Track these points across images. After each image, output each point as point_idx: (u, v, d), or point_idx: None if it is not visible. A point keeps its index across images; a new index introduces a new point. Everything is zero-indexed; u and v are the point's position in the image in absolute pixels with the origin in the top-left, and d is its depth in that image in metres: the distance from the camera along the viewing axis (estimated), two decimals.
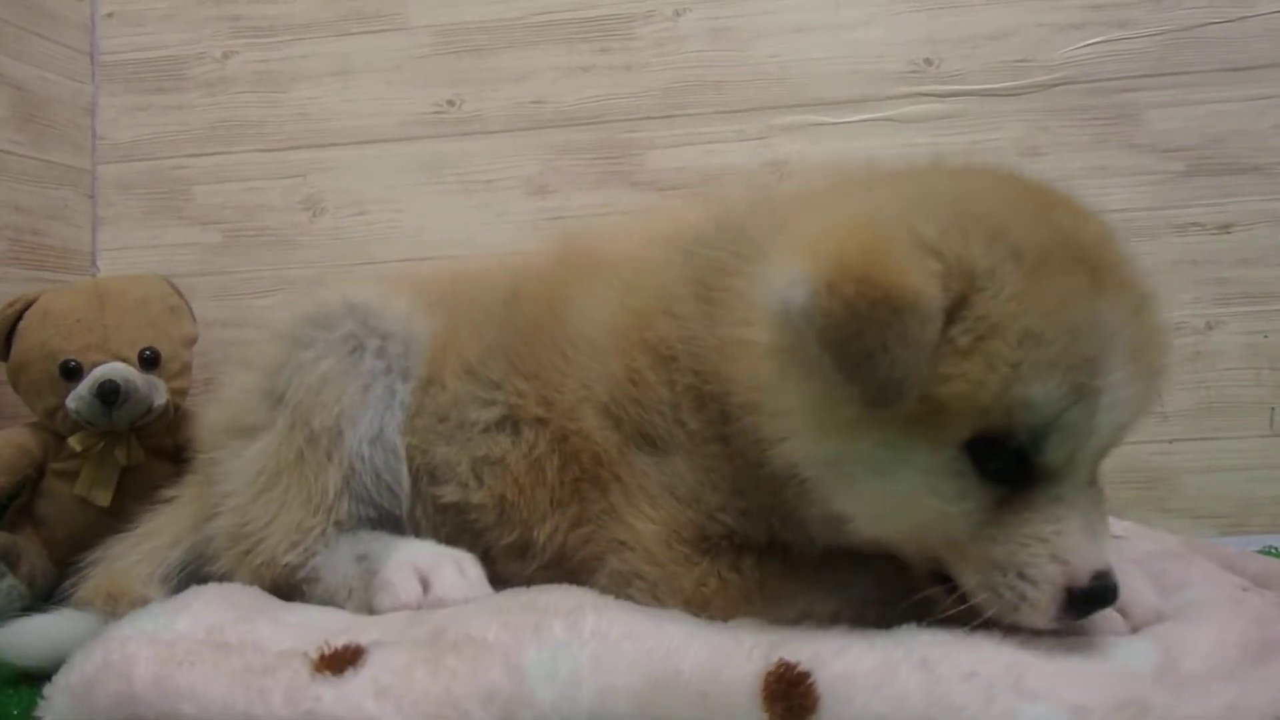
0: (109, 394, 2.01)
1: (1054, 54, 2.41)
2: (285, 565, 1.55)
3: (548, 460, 1.49)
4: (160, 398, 2.11)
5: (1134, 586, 1.23)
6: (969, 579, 1.16)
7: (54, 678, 1.25)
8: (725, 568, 1.31)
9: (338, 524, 1.56)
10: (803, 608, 1.26)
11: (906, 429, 1.11)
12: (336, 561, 1.53)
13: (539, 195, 2.53)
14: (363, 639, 1.24)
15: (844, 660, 1.08)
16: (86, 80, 2.65)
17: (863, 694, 1.05)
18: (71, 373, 2.05)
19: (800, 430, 1.19)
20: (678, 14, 2.52)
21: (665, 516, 1.34)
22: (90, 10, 2.67)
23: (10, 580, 1.91)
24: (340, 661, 1.18)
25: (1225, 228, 2.35)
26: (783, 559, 1.31)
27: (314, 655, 1.20)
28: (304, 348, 1.63)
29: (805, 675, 1.07)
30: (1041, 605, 1.11)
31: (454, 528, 1.58)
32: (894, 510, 1.17)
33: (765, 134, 2.47)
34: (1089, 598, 1.11)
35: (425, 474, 1.61)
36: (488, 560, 1.53)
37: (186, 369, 2.24)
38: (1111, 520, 1.58)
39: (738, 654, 1.12)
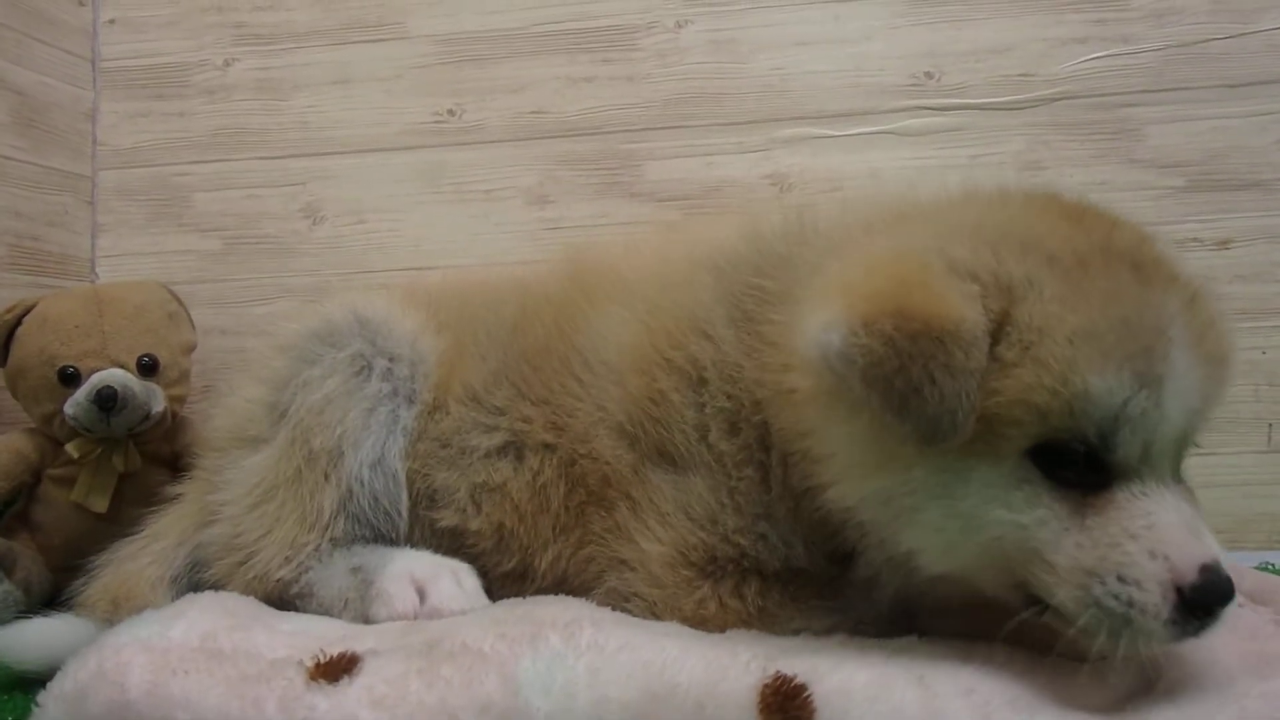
0: (107, 400, 2.01)
1: (1055, 68, 2.41)
2: (278, 580, 1.54)
3: (553, 487, 1.49)
4: (158, 405, 2.11)
5: None
6: (1063, 596, 1.08)
7: (48, 685, 1.25)
8: (727, 593, 1.31)
9: (332, 540, 1.56)
10: (799, 625, 1.27)
11: (962, 450, 1.09)
12: (330, 575, 1.53)
13: (539, 205, 2.53)
14: (358, 647, 1.23)
15: (841, 674, 1.08)
16: (87, 86, 2.65)
17: (859, 707, 1.05)
18: (69, 379, 2.05)
19: (849, 472, 1.17)
20: (679, 26, 2.52)
21: (675, 537, 1.33)
22: (92, 16, 2.68)
23: (6, 586, 1.91)
24: (335, 670, 1.18)
25: (1224, 243, 2.35)
26: (784, 587, 1.31)
27: (309, 664, 1.20)
28: (310, 364, 1.63)
29: (802, 688, 1.07)
30: (1152, 609, 1.03)
31: (450, 552, 1.57)
32: (962, 533, 1.12)
33: (766, 146, 2.47)
34: (1203, 593, 1.03)
35: (424, 498, 1.61)
36: (485, 586, 1.52)
37: (185, 376, 2.23)
38: None
39: (734, 666, 1.11)
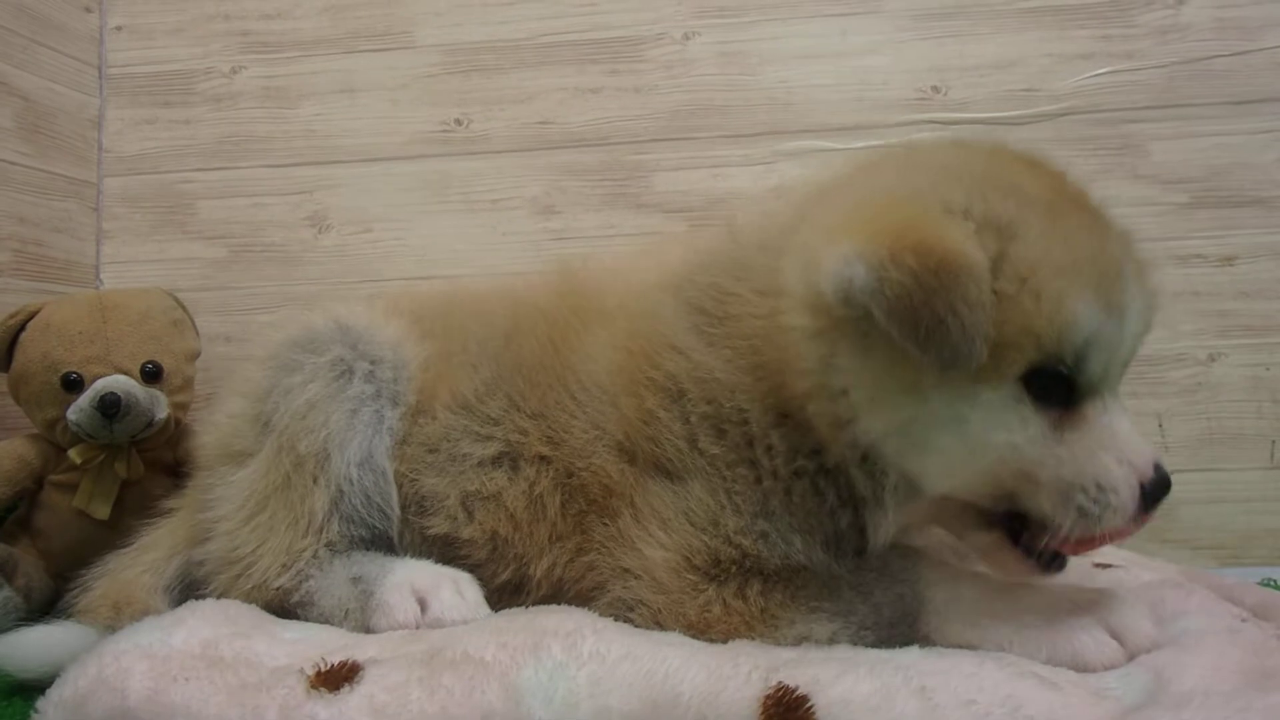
0: (110, 407, 2.01)
1: (1060, 84, 2.42)
2: (278, 589, 1.53)
3: (550, 497, 1.48)
4: (161, 411, 2.11)
5: (1130, 616, 1.23)
6: (1047, 504, 1.22)
7: (47, 691, 1.25)
8: (731, 594, 1.32)
9: (329, 546, 1.54)
10: (801, 631, 1.27)
11: (970, 378, 1.18)
12: (330, 585, 1.51)
13: (544, 215, 2.54)
14: (359, 656, 1.23)
15: (842, 685, 1.08)
16: (93, 93, 2.66)
17: (860, 718, 1.05)
18: (73, 385, 2.04)
19: (866, 405, 1.24)
20: (687, 38, 2.53)
21: (678, 542, 1.34)
22: (99, 23, 2.68)
23: (6, 592, 1.90)
24: (336, 679, 1.18)
25: (1228, 260, 2.35)
26: (785, 587, 1.32)
27: (310, 672, 1.20)
28: (291, 372, 1.62)
29: (804, 699, 1.06)
30: (1124, 507, 1.19)
31: (442, 560, 1.56)
32: (969, 456, 1.23)
33: (771, 159, 2.48)
34: (1157, 487, 1.20)
35: (413, 503, 1.60)
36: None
37: (189, 383, 2.23)
38: (1110, 549, 1.60)
39: (736, 677, 1.11)
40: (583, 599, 1.42)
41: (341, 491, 1.55)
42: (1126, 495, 1.19)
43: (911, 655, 1.17)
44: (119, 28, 2.70)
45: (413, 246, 2.57)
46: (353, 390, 1.60)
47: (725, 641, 1.27)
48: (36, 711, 1.23)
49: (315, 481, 1.55)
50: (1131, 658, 1.19)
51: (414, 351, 1.66)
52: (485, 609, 1.45)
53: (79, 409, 2.03)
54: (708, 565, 1.33)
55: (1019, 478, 1.23)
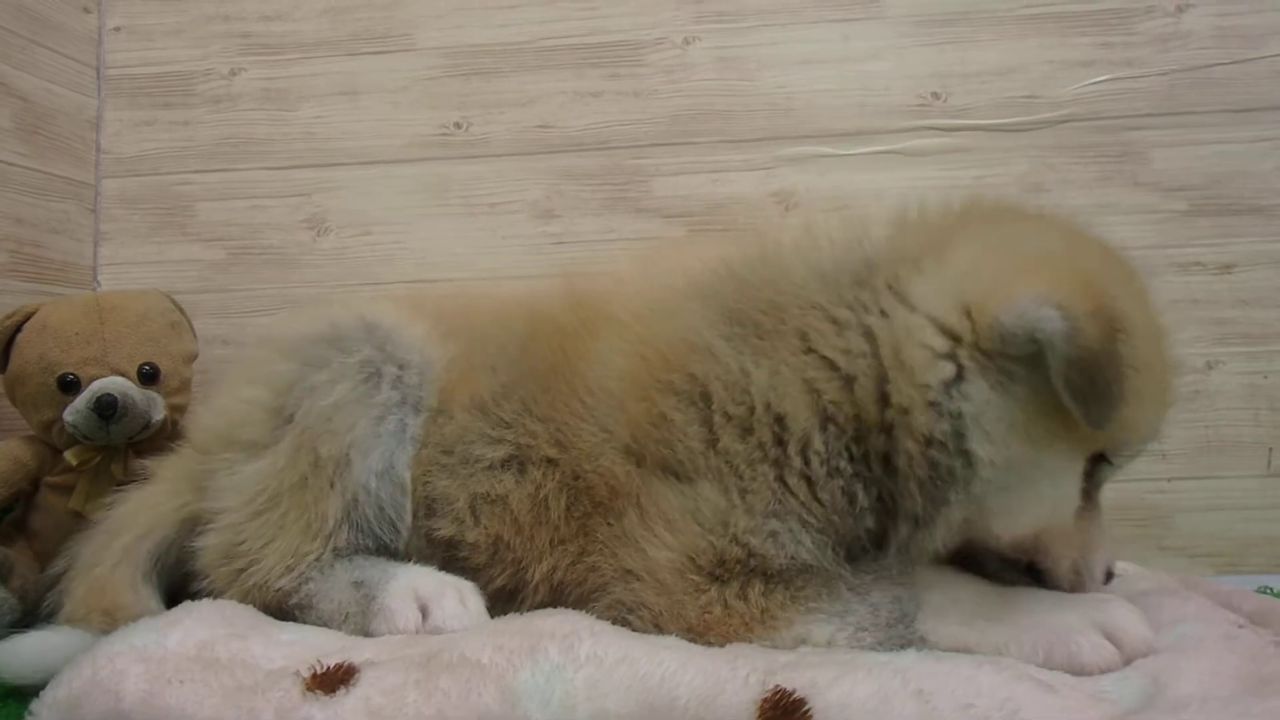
0: (106, 408, 2.01)
1: (1061, 91, 2.42)
2: (278, 590, 1.52)
3: (554, 499, 1.49)
4: (158, 413, 2.11)
5: (1127, 619, 1.23)
6: (1063, 566, 1.35)
7: (41, 693, 1.24)
8: (733, 595, 1.33)
9: (335, 551, 1.54)
10: (799, 633, 1.28)
11: (1075, 443, 1.27)
12: (331, 588, 1.51)
13: (544, 219, 2.53)
14: (355, 659, 1.23)
15: (840, 688, 1.08)
16: (92, 94, 2.65)
17: None
18: (69, 386, 2.04)
19: (978, 434, 1.26)
20: (687, 42, 2.53)
21: (683, 543, 1.35)
22: (97, 24, 2.68)
23: (2, 593, 1.90)
24: (332, 681, 1.18)
25: (1227, 268, 2.35)
26: (786, 588, 1.32)
27: (306, 674, 1.19)
28: (318, 369, 1.60)
29: (801, 702, 1.06)
30: (1095, 586, 1.36)
31: (444, 563, 1.56)
32: (1042, 511, 1.32)
33: (771, 164, 2.48)
34: (1109, 578, 1.39)
35: (423, 506, 1.59)
36: None
37: (186, 385, 2.23)
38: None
39: (734, 680, 1.11)
40: (582, 603, 1.42)
41: (357, 500, 1.55)
42: (1099, 576, 1.37)
43: (909, 658, 1.17)
44: (118, 28, 2.69)
45: (412, 250, 2.57)
46: (380, 397, 1.60)
47: (723, 644, 1.27)
48: (30, 714, 1.23)
49: (332, 486, 1.55)
50: (1128, 661, 1.19)
51: (439, 353, 1.66)
52: (486, 618, 1.45)
53: (75, 410, 2.03)
54: (712, 565, 1.34)
55: (1052, 539, 1.35)
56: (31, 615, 1.84)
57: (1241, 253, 2.35)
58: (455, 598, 1.45)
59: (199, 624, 1.37)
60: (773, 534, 1.33)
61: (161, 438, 2.14)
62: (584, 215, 2.53)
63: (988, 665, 1.12)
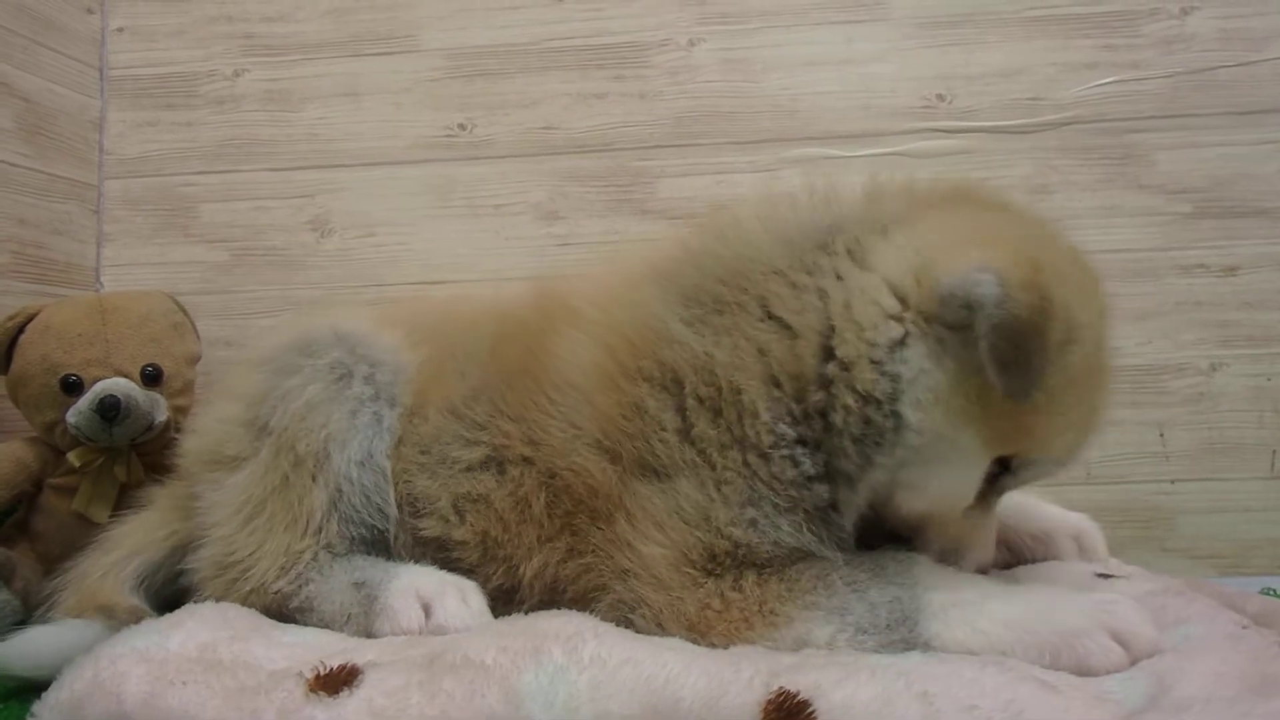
0: (109, 409, 2.01)
1: (1065, 93, 2.42)
2: (277, 593, 1.52)
3: (534, 497, 1.49)
4: (161, 415, 2.11)
5: (1134, 620, 1.22)
6: (932, 549, 1.40)
7: (43, 695, 1.24)
8: (728, 587, 1.33)
9: (328, 547, 1.54)
10: (800, 632, 1.27)
11: (990, 433, 1.29)
12: (331, 590, 1.51)
13: (548, 221, 2.54)
14: (358, 660, 1.23)
15: (844, 690, 1.08)
16: (95, 94, 2.65)
17: None
18: (72, 387, 2.04)
19: (910, 398, 1.29)
20: (692, 44, 2.53)
21: (674, 540, 1.36)
22: (100, 24, 2.68)
23: (4, 595, 1.89)
24: (335, 682, 1.18)
25: (1230, 270, 2.36)
26: (780, 579, 1.33)
27: (309, 675, 1.19)
28: (289, 375, 1.62)
29: (806, 704, 1.06)
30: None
31: (434, 563, 1.56)
32: (946, 494, 1.36)
33: (776, 165, 2.48)
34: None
35: (407, 504, 1.60)
36: None
37: (189, 387, 2.23)
38: (1115, 561, 1.61)
39: (737, 682, 1.11)
40: (580, 601, 1.42)
41: (341, 490, 1.55)
42: (969, 571, 1.39)
43: (913, 660, 1.16)
44: (121, 29, 2.69)
45: (416, 251, 2.57)
46: (352, 391, 1.61)
47: (727, 645, 1.27)
48: (32, 715, 1.23)
49: (314, 480, 1.55)
50: (1134, 662, 1.19)
51: (410, 357, 1.68)
52: (489, 617, 1.45)
53: (78, 412, 2.03)
54: (703, 560, 1.35)
55: (940, 524, 1.40)
56: (34, 616, 1.85)
57: (1245, 255, 2.36)
58: (458, 597, 1.45)
59: (201, 626, 1.37)
60: (752, 521, 1.35)
61: (164, 439, 2.14)
62: (588, 217, 2.53)
63: (991, 667, 1.12)
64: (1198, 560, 2.31)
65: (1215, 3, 2.41)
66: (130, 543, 1.73)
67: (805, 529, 1.35)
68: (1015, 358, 1.20)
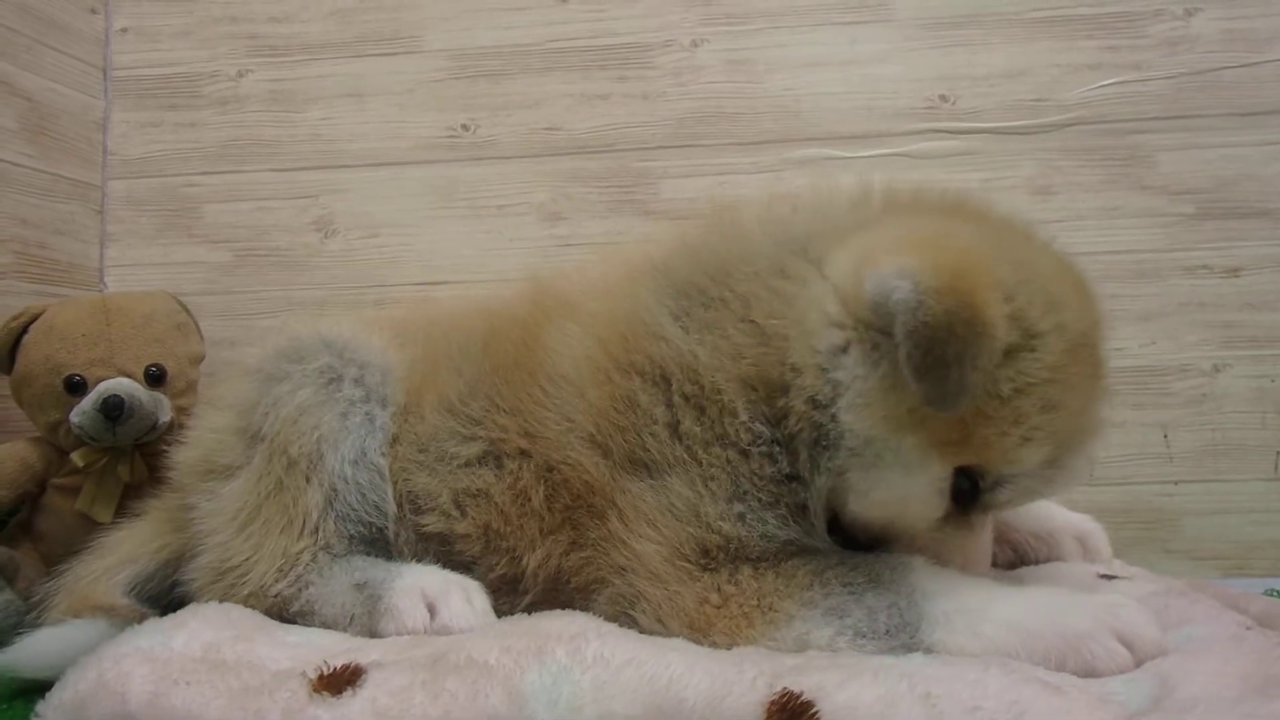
0: (113, 409, 2.01)
1: (1068, 94, 2.42)
2: (276, 596, 1.52)
3: (533, 490, 1.50)
4: (165, 415, 2.11)
5: (1140, 622, 1.22)
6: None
7: (47, 695, 1.24)
8: (724, 581, 1.33)
9: (326, 548, 1.54)
10: (799, 633, 1.27)
11: (935, 442, 1.26)
12: (332, 592, 1.50)
13: (551, 222, 2.54)
14: (362, 660, 1.23)
15: (847, 691, 1.07)
16: (98, 95, 2.66)
17: None
18: (75, 387, 2.04)
19: (849, 404, 1.29)
20: (695, 45, 2.53)
21: (666, 536, 1.36)
22: (104, 25, 2.68)
23: (8, 594, 1.90)
24: (339, 682, 1.17)
25: (1234, 271, 2.36)
26: (776, 574, 1.33)
27: (312, 675, 1.19)
28: (278, 382, 1.62)
29: (809, 705, 1.06)
30: None
31: (437, 557, 1.57)
32: (892, 501, 1.33)
33: (779, 166, 2.48)
34: None
35: (407, 501, 1.60)
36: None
37: (192, 387, 2.23)
38: (1119, 562, 1.61)
39: (741, 683, 1.11)
40: (583, 592, 1.43)
41: (336, 489, 1.56)
42: None
43: (916, 662, 1.16)
44: (124, 29, 2.70)
45: (419, 252, 2.57)
46: (343, 394, 1.61)
47: (729, 644, 1.27)
48: (36, 716, 1.22)
49: (308, 481, 1.55)
50: (1140, 664, 1.19)
51: (398, 357, 1.68)
52: (493, 618, 1.45)
53: (82, 411, 2.03)
54: (697, 555, 1.35)
55: (905, 537, 1.38)
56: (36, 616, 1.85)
57: (1248, 256, 2.36)
58: (462, 597, 1.45)
59: (204, 626, 1.37)
60: (740, 516, 1.36)
61: (168, 439, 2.14)
62: (591, 218, 2.53)
63: (995, 668, 1.12)
64: (1201, 561, 2.31)
65: (1219, 4, 2.41)
66: (123, 550, 1.73)
67: (792, 522, 1.36)
68: (930, 365, 1.18)
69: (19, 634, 1.52)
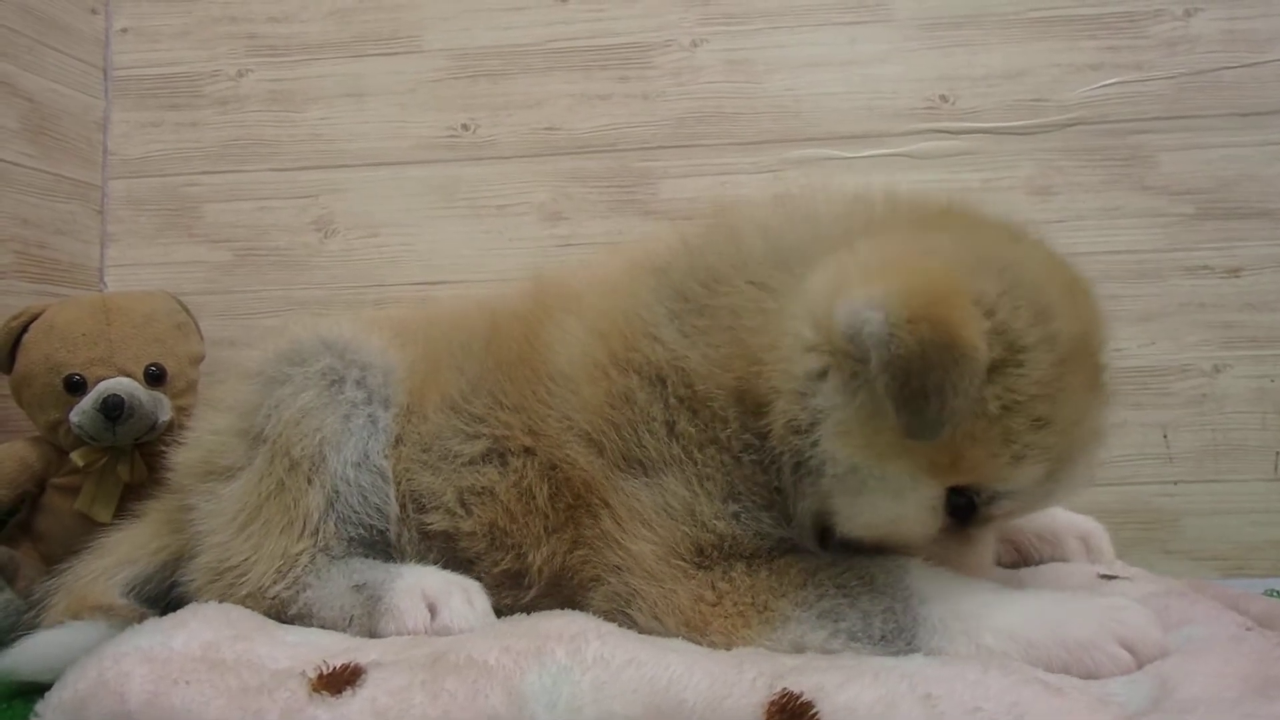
0: (113, 409, 2.01)
1: (1068, 94, 2.42)
2: (274, 598, 1.52)
3: (537, 487, 1.50)
4: (165, 414, 2.11)
5: (1143, 626, 1.22)
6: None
7: (46, 694, 1.24)
8: (718, 578, 1.33)
9: (325, 550, 1.54)
10: (795, 635, 1.27)
11: (923, 466, 1.23)
12: (330, 595, 1.50)
13: (551, 222, 2.54)
14: (362, 660, 1.23)
15: (847, 692, 1.07)
16: (99, 95, 2.65)
17: None
18: (75, 387, 2.04)
19: (828, 430, 1.27)
20: (695, 45, 2.53)
21: (662, 536, 1.36)
22: (104, 25, 2.68)
23: (8, 594, 1.89)
24: (338, 682, 1.17)
25: (1234, 271, 2.36)
26: (769, 572, 1.33)
27: (312, 675, 1.19)
28: (281, 384, 1.62)
29: (809, 705, 1.06)
30: None
31: (441, 555, 1.57)
32: (882, 524, 1.30)
33: (779, 166, 2.48)
34: None
35: (410, 501, 1.60)
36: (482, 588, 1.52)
37: (192, 387, 2.23)
38: (1121, 564, 1.61)
39: (740, 683, 1.11)
40: (584, 589, 1.44)
41: (338, 491, 1.56)
42: None
43: (916, 663, 1.16)
44: (125, 30, 2.69)
45: (419, 252, 2.57)
46: (345, 396, 1.61)
47: (726, 645, 1.27)
48: (36, 715, 1.22)
49: (310, 483, 1.55)
50: (1141, 666, 1.18)
51: (399, 357, 1.68)
52: (493, 618, 1.45)
53: (81, 411, 2.03)
54: (691, 554, 1.35)
55: (902, 550, 1.33)
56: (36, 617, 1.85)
57: (1249, 256, 2.36)
58: (463, 598, 1.45)
59: (204, 625, 1.37)
60: (735, 515, 1.36)
61: (167, 439, 2.13)
62: (591, 217, 2.53)
63: (995, 669, 1.12)
64: (1201, 562, 2.31)
65: (1219, 4, 2.41)
66: (121, 551, 1.73)
67: (786, 523, 1.36)
68: (909, 396, 1.15)
69: (18, 634, 1.52)
